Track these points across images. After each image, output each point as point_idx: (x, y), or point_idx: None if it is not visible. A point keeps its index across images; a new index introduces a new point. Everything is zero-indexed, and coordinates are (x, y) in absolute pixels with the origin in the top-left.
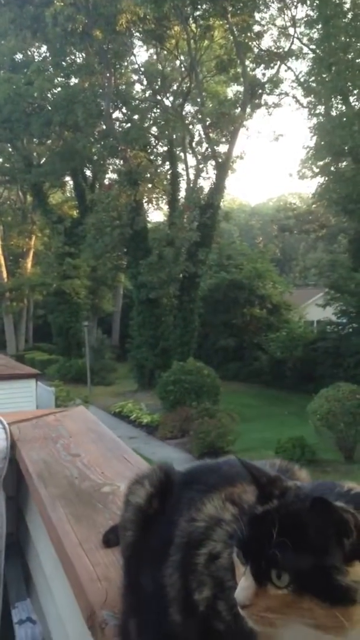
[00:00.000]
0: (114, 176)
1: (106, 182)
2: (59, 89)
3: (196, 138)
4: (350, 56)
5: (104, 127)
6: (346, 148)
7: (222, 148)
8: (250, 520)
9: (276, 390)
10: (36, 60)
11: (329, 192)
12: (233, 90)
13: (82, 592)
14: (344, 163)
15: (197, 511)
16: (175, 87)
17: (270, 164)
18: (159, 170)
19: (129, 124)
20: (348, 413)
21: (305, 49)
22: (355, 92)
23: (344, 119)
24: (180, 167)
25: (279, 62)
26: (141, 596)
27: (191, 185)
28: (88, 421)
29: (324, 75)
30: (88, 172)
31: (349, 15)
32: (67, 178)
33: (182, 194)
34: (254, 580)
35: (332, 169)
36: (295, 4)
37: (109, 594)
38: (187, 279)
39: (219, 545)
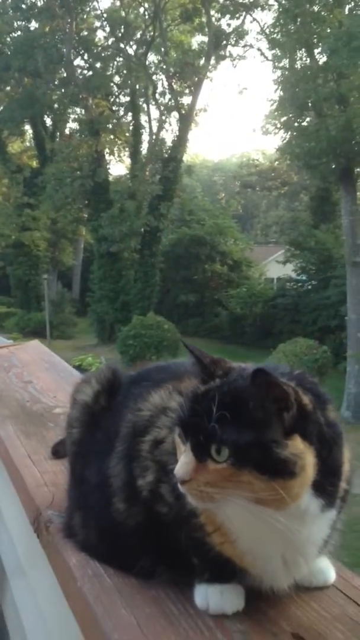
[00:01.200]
0: (75, 126)
1: (67, 131)
2: (19, 32)
3: (159, 89)
4: (315, 8)
5: (65, 74)
6: (309, 102)
7: (186, 100)
8: (191, 399)
9: (236, 345)
10: None
11: (291, 147)
12: (198, 40)
13: (29, 497)
14: (308, 119)
15: (143, 401)
16: (138, 36)
17: (234, 120)
18: (121, 121)
19: (90, 72)
20: (305, 367)
21: (271, 0)
22: (320, 44)
23: (308, 72)
24: (143, 119)
25: (244, 13)
26: (86, 489)
27: (154, 137)
28: (41, 352)
29: (289, 27)
30: (48, 121)
31: None
32: (27, 127)
33: (144, 146)
34: (193, 456)
35: (295, 124)
36: None
37: (56, 497)
38: (149, 233)
39: (163, 431)
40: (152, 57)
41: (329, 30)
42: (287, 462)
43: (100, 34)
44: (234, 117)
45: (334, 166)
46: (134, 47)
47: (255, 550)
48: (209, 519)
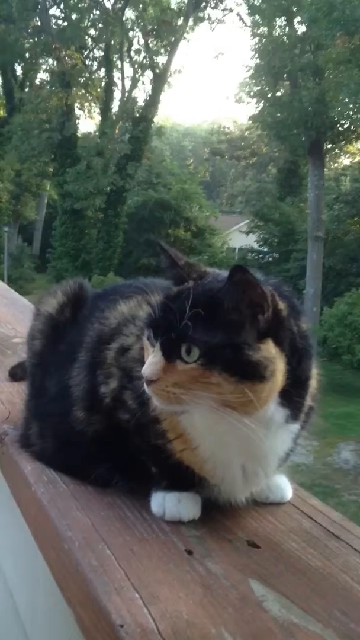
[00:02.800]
0: (46, 77)
1: (37, 81)
2: None
3: (135, 46)
4: None
5: (39, 22)
6: (285, 71)
7: (161, 60)
8: (164, 299)
9: None
10: None
11: (264, 116)
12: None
13: None
14: (281, 90)
15: (111, 310)
16: None
17: (207, 86)
18: (93, 76)
19: (65, 23)
20: None
21: None
22: (300, 14)
23: (286, 41)
24: (116, 77)
25: None
26: (44, 400)
27: (126, 94)
28: (1, 289)
29: None
30: (19, 70)
31: None
32: None
33: (115, 104)
34: (162, 356)
35: (269, 93)
36: None
37: (12, 414)
38: (114, 192)
39: (130, 339)
40: (129, 14)
41: (310, 0)
42: (258, 366)
43: None
44: (208, 82)
45: (304, 138)
46: (112, 1)
47: (216, 458)
48: (172, 426)
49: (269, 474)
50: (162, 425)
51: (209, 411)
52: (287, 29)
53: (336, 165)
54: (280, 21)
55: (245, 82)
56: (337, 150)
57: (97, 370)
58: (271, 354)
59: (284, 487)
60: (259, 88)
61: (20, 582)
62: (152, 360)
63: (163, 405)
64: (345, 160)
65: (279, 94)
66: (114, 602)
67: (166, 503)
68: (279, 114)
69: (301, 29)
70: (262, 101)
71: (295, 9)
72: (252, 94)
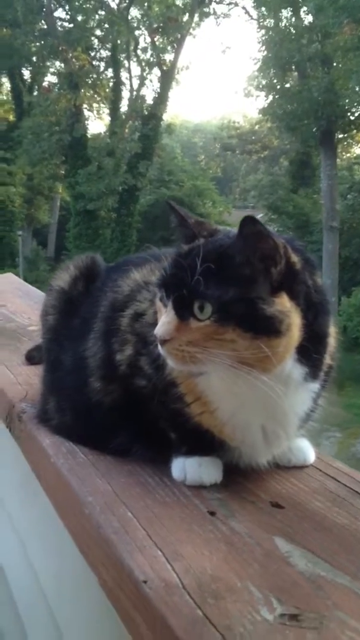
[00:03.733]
0: (54, 79)
1: (45, 84)
2: None
3: (141, 45)
4: None
5: (45, 25)
6: (293, 62)
7: (168, 57)
8: (175, 257)
9: None
10: None
11: (273, 108)
12: None
13: (2, 394)
14: (290, 81)
15: (124, 279)
16: None
17: (215, 81)
18: (101, 76)
19: (71, 25)
20: None
21: None
22: (306, 3)
23: (293, 31)
24: (124, 76)
25: None
26: (61, 374)
27: (134, 93)
28: (15, 283)
29: None
30: (26, 74)
31: None
32: (4, 79)
33: (124, 103)
34: (175, 314)
35: (278, 87)
36: None
37: (29, 393)
38: (127, 191)
39: (143, 305)
40: (134, 12)
41: None
42: (272, 320)
43: None
44: (216, 78)
45: (315, 129)
46: (117, 0)
47: (235, 420)
48: (189, 389)
49: (290, 434)
50: (179, 389)
51: (226, 371)
52: (293, 19)
53: (348, 155)
54: (286, 12)
55: (254, 76)
56: (348, 139)
57: (112, 338)
58: (286, 307)
59: (306, 450)
60: (267, 80)
61: (43, 556)
62: (165, 320)
63: (178, 366)
64: (358, 149)
65: (287, 85)
66: (137, 559)
67: (187, 468)
68: (288, 106)
69: (308, 18)
70: (272, 93)
71: None
72: (260, 86)
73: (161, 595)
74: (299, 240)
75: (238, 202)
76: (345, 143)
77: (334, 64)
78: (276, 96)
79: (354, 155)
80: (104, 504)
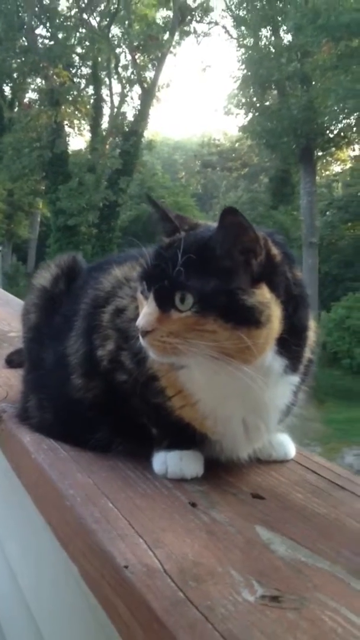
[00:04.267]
0: (35, 96)
1: (26, 100)
2: None
3: (122, 62)
4: None
5: (26, 42)
6: (273, 80)
7: (149, 74)
8: (156, 250)
9: None
10: None
11: (253, 126)
12: (162, 14)
13: None
14: (269, 99)
15: (105, 276)
16: (102, 7)
17: (196, 99)
18: (82, 93)
19: (52, 42)
20: None
21: None
22: (285, 23)
23: (273, 50)
24: (105, 94)
25: None
26: (42, 372)
27: (115, 110)
28: None
29: (255, 3)
30: (7, 90)
31: None
32: None
33: (105, 120)
34: (156, 306)
35: (258, 105)
36: None
37: (10, 394)
38: (107, 207)
39: (125, 300)
40: (115, 30)
41: (294, 8)
42: (253, 310)
43: (63, 4)
44: (196, 96)
45: (294, 146)
46: (97, 18)
47: (216, 413)
48: (170, 382)
49: (270, 427)
50: (160, 382)
51: (207, 363)
52: (273, 38)
53: (327, 172)
54: (265, 31)
55: (233, 94)
56: (327, 157)
57: (93, 334)
58: (266, 298)
59: (287, 445)
60: (247, 98)
61: (21, 554)
62: (147, 311)
63: (159, 357)
64: (336, 167)
65: (267, 103)
66: (118, 546)
67: (168, 461)
68: (268, 123)
69: (287, 37)
70: (251, 111)
71: (280, 18)
72: (240, 104)
73: (142, 579)
74: (279, 234)
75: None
76: (324, 161)
77: (313, 83)
78: (256, 114)
79: (333, 172)
80: (85, 496)
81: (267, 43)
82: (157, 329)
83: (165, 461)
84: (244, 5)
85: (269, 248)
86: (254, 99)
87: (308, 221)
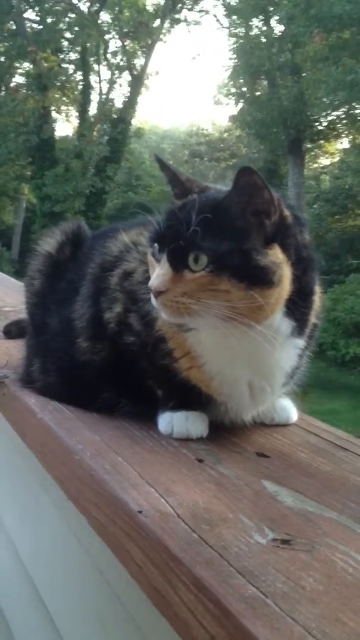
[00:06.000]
0: (22, 80)
1: (13, 85)
2: None
3: (111, 48)
4: None
5: (14, 26)
6: (263, 70)
7: (138, 62)
8: (169, 212)
9: None
10: None
11: (243, 116)
12: (153, 1)
13: None
14: (260, 89)
15: (113, 240)
16: None
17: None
18: (70, 78)
19: (41, 26)
20: None
21: None
22: (277, 12)
23: (264, 40)
24: (93, 80)
25: None
26: (46, 337)
27: (103, 96)
28: None
29: None
30: None
31: None
32: None
33: (93, 106)
34: (170, 266)
35: (248, 95)
36: None
37: (10, 362)
38: (94, 195)
39: (133, 264)
40: (105, 16)
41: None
42: (266, 270)
43: None
44: (186, 84)
45: (283, 137)
46: (87, 4)
47: (223, 374)
48: (178, 344)
49: (276, 390)
50: (168, 344)
51: (218, 324)
52: (264, 28)
53: (315, 165)
54: (257, 21)
55: (223, 84)
56: (316, 149)
57: (100, 297)
58: (279, 259)
59: (290, 409)
60: (237, 88)
61: (19, 519)
62: (160, 272)
63: (171, 318)
64: (325, 160)
65: (257, 93)
66: (131, 494)
67: (174, 421)
68: (258, 114)
69: (279, 27)
70: (241, 101)
71: (272, 8)
72: (230, 94)
73: (157, 522)
74: (287, 200)
75: None
76: (312, 153)
77: (304, 74)
78: (245, 104)
79: (321, 165)
80: (94, 451)
81: (258, 33)
82: (170, 289)
83: (172, 421)
84: None
85: (282, 209)
86: (244, 89)
87: None
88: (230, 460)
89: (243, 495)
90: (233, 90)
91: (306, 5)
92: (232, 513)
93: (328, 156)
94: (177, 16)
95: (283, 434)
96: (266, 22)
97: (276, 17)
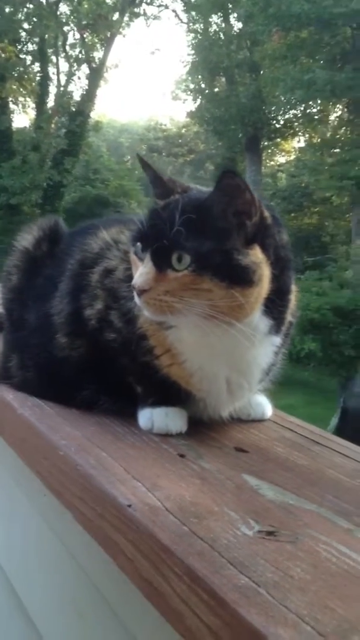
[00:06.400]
0: None
1: None
2: None
3: (70, 40)
4: None
5: None
6: (222, 67)
7: (97, 54)
8: (152, 211)
9: None
10: None
11: (202, 112)
12: None
13: None
14: (218, 86)
15: (93, 237)
16: None
17: (143, 82)
18: (28, 70)
19: None
20: None
21: None
22: (236, 10)
23: (222, 37)
24: (51, 72)
25: None
26: (24, 333)
27: (61, 89)
28: None
29: None
30: None
31: None
32: None
33: (50, 98)
34: (153, 265)
35: (206, 91)
36: None
37: None
38: (52, 187)
39: (114, 262)
40: (64, 7)
41: None
42: (247, 270)
43: None
44: (144, 79)
45: (241, 135)
46: None
47: (202, 371)
48: (159, 341)
49: (252, 386)
50: (149, 342)
51: (198, 321)
52: (223, 25)
53: (272, 163)
54: (216, 17)
55: (181, 79)
56: (273, 147)
57: (81, 294)
58: (258, 259)
59: (265, 405)
60: (195, 84)
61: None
62: (143, 271)
63: (154, 316)
64: (281, 158)
65: (216, 89)
66: (118, 489)
67: (154, 417)
68: (217, 110)
69: (237, 25)
70: (200, 97)
71: (231, 5)
72: (189, 90)
73: (147, 515)
74: (267, 200)
75: None
76: (269, 150)
77: (262, 72)
78: (204, 100)
79: (278, 163)
80: (78, 446)
81: (217, 29)
82: (153, 287)
83: (152, 417)
84: None
85: (262, 210)
86: (203, 85)
87: None
88: (210, 455)
89: (226, 489)
90: (191, 86)
91: (265, 4)
92: (218, 506)
93: (284, 154)
94: (136, 10)
95: (259, 429)
96: (225, 19)
97: (235, 15)
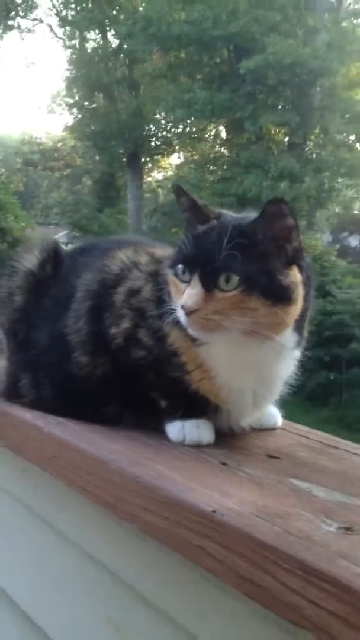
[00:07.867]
0: None
1: None
2: None
3: None
4: None
5: None
6: (101, 83)
7: None
8: (195, 236)
9: None
10: None
11: (81, 127)
12: None
13: None
14: (98, 102)
15: (110, 259)
16: None
17: (18, 95)
18: None
19: None
20: None
21: None
22: (114, 27)
23: (101, 53)
24: None
25: None
26: (34, 352)
27: None
28: None
29: (83, 5)
30: None
31: None
32: None
33: None
34: (202, 287)
35: (86, 104)
36: None
37: None
38: None
39: (138, 282)
40: None
41: (122, 17)
42: (288, 289)
43: None
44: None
45: (121, 151)
46: None
47: (231, 385)
48: (191, 358)
49: (274, 397)
50: (180, 358)
51: (239, 338)
52: (101, 42)
53: (149, 179)
54: (94, 34)
55: (58, 94)
56: (151, 164)
57: (104, 314)
58: (297, 279)
59: (276, 415)
60: (74, 99)
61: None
62: (192, 292)
63: (201, 334)
64: (159, 175)
65: (95, 105)
66: (192, 496)
67: (185, 429)
68: (97, 125)
69: (115, 42)
70: (75, 111)
71: (109, 22)
72: (66, 104)
73: (235, 518)
74: None
75: (40, 219)
76: (147, 167)
77: (142, 90)
78: (83, 115)
79: (155, 179)
80: (128, 460)
81: (95, 46)
82: (202, 307)
83: (183, 429)
84: (71, 5)
85: (299, 234)
86: (81, 99)
87: (135, 225)
88: (249, 462)
89: (285, 493)
90: (70, 100)
91: (145, 23)
92: (289, 508)
93: (161, 170)
94: (10, 22)
95: (277, 437)
96: (103, 36)
97: (113, 32)
